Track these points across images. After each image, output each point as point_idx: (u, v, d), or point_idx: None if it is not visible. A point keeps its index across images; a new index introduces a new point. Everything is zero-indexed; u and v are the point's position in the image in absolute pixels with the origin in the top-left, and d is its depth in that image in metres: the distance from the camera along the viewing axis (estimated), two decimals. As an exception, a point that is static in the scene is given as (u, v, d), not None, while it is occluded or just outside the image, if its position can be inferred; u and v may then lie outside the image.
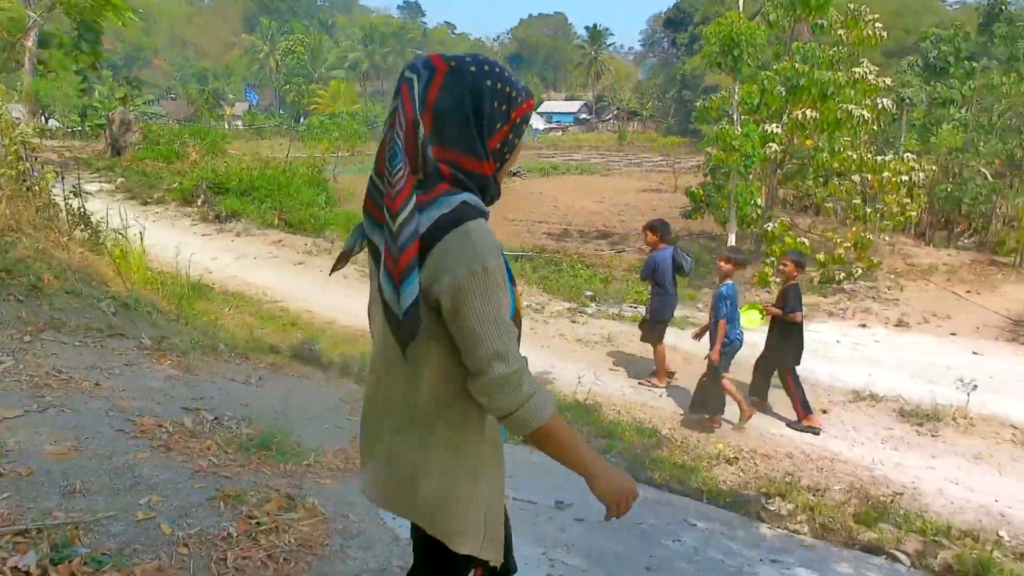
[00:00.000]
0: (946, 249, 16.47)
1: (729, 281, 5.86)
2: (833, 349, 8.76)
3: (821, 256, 12.92)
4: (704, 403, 5.73)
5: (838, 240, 13.12)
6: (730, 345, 5.81)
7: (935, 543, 4.39)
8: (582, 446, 1.60)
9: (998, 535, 4.57)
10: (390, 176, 1.48)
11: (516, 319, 1.62)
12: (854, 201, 13.42)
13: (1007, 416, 6.52)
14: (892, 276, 14.05)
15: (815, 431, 5.96)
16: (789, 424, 6.10)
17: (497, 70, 1.56)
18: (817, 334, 9.68)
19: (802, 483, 5.05)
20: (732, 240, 13.21)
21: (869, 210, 13.51)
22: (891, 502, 4.85)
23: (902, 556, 4.28)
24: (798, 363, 6.18)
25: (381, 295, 1.51)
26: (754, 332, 6.31)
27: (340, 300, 9.05)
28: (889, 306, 12.58)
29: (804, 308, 6.29)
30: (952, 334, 10.97)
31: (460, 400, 1.57)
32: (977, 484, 5.21)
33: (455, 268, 1.45)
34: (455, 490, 1.60)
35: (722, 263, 5.91)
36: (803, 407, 6.09)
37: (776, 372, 6.25)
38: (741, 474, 5.13)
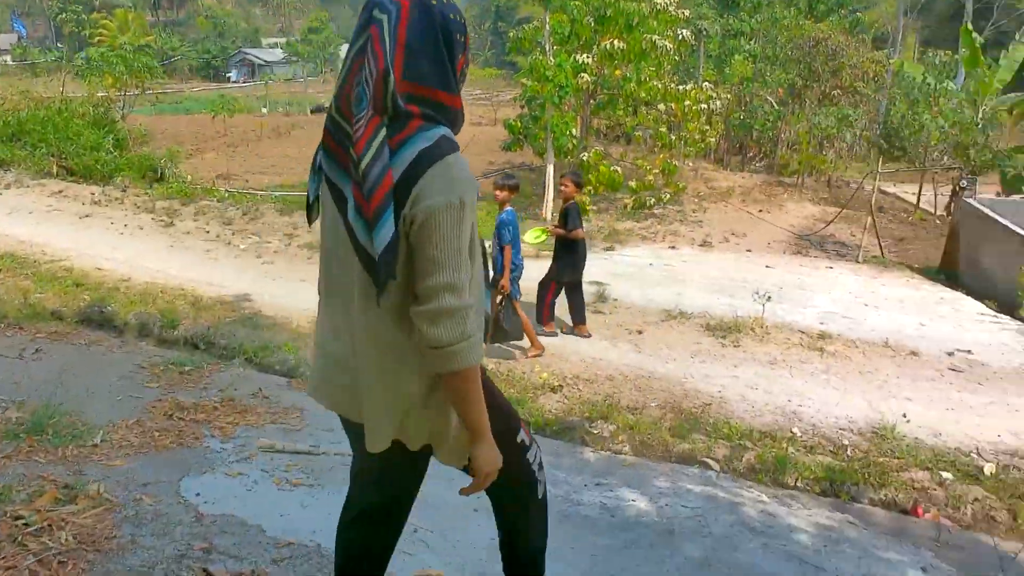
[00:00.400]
0: (741, 172, 17.74)
1: (508, 208, 5.93)
2: (646, 272, 9.15)
3: (633, 183, 13.44)
4: (505, 332, 5.81)
5: (648, 167, 13.69)
6: (516, 271, 5.95)
7: (740, 447, 4.70)
8: (483, 407, 1.60)
9: (791, 432, 4.98)
10: (356, 119, 1.48)
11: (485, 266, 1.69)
12: (660, 129, 13.97)
13: (795, 322, 7.12)
14: (696, 199, 14.92)
15: (550, 335, 6.47)
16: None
17: (452, 6, 1.56)
18: (632, 258, 10.10)
19: (622, 403, 5.22)
20: (551, 171, 13.36)
21: (674, 137, 14.13)
22: (701, 413, 5.14)
23: (712, 463, 4.55)
24: (577, 278, 6.48)
25: (351, 235, 1.52)
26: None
27: (137, 254, 8.20)
28: (694, 228, 13.38)
29: (585, 228, 6.55)
30: (748, 251, 11.86)
31: None
32: (773, 387, 5.64)
33: (434, 196, 1.47)
34: (428, 399, 1.62)
35: (497, 192, 5.95)
36: (549, 315, 6.57)
37: (566, 288, 6.52)
38: (565, 401, 5.22)
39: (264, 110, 27.54)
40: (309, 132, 22.52)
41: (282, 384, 4.98)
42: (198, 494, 3.04)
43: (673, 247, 11.64)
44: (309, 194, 1.70)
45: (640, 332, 6.67)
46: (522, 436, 1.83)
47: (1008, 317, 7.97)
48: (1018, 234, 9.83)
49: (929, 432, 5.05)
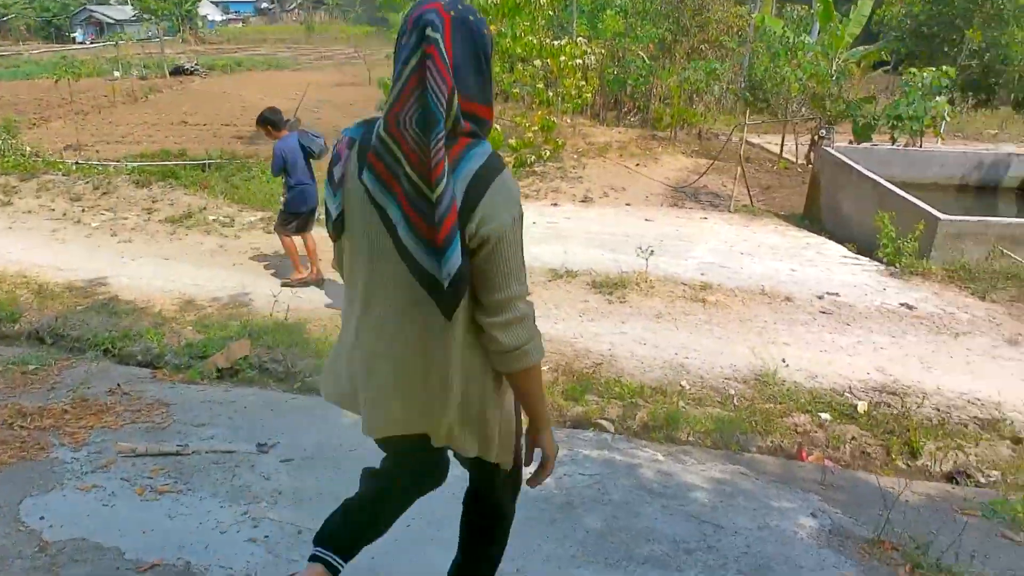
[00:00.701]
0: (617, 127, 17.88)
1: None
2: (531, 231, 9.03)
3: (513, 141, 13.26)
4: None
5: (527, 125, 13.52)
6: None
7: (633, 405, 4.68)
8: (544, 398, 1.78)
9: (681, 386, 5.00)
10: (424, 141, 1.48)
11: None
12: (537, 86, 13.79)
13: (677, 274, 7.20)
14: (575, 155, 14.91)
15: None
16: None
17: (479, 14, 1.58)
18: (515, 218, 9.94)
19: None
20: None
21: (551, 94, 14.01)
22: (593, 373, 5.08)
23: (607, 424, 4.50)
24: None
25: (406, 256, 1.56)
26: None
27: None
28: (575, 184, 13.38)
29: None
30: (627, 204, 11.97)
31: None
32: (660, 341, 5.66)
33: (502, 215, 1.55)
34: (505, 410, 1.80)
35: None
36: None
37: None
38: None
39: (116, 73, 25.26)
40: (169, 97, 20.87)
41: (144, 377, 4.52)
42: (42, 517, 2.65)
43: (555, 204, 11.59)
44: (332, 209, 1.69)
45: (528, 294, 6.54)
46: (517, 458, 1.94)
47: (867, 259, 8.40)
48: (871, 179, 10.38)
49: (807, 375, 5.21)
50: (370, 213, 1.60)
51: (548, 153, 13.60)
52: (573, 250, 7.97)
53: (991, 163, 12.11)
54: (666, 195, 12.94)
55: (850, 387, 5.12)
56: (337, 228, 1.69)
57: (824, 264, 8.02)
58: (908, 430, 4.39)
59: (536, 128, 13.42)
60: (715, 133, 17.96)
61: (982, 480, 4.15)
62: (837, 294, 6.85)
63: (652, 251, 6.98)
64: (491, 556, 2.08)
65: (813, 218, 11.44)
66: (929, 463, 4.24)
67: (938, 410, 4.85)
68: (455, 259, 1.51)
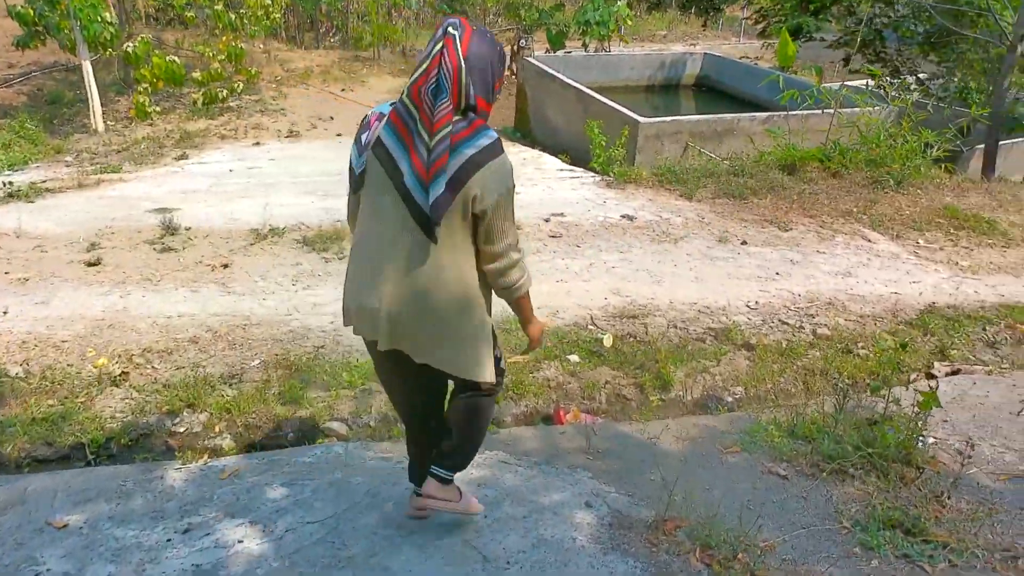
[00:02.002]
0: (316, 50, 16.13)
1: None
2: (228, 182, 7.52)
3: (198, 74, 11.18)
4: None
5: (212, 54, 11.47)
6: None
7: (367, 392, 3.81)
8: (531, 306, 2.27)
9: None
10: (432, 105, 1.88)
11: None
12: (216, 8, 11.70)
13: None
14: (274, 85, 13.14)
15: None
16: None
17: (494, 36, 2.02)
18: (211, 166, 8.29)
19: (214, 375, 3.93)
20: (89, 70, 10.36)
21: (234, 16, 11.99)
22: (315, 359, 4.10)
23: (339, 427, 3.60)
24: None
25: (407, 199, 1.97)
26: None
27: None
28: (278, 117, 11.77)
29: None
30: (339, 136, 10.75)
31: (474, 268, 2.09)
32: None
33: (498, 188, 1.97)
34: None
35: None
36: None
37: None
38: (135, 395, 3.74)
39: None
40: None
41: None
42: None
43: (258, 143, 10.03)
44: (355, 167, 2.09)
45: (226, 266, 5.27)
46: (497, 352, 2.28)
47: (582, 170, 8.20)
48: (573, 87, 10.22)
49: (548, 312, 4.70)
50: (384, 166, 2.00)
51: (241, 85, 11.73)
52: (279, 200, 6.71)
53: (671, 63, 12.64)
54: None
55: (592, 318, 4.71)
56: (357, 183, 2.10)
57: (544, 182, 7.63)
58: (656, 361, 4.06)
59: (223, 57, 11.44)
60: (419, 50, 16.97)
61: (729, 399, 3.96)
62: (562, 214, 6.46)
63: (367, 194, 5.99)
64: (466, 441, 2.37)
65: (525, 131, 11.13)
66: (681, 392, 3.95)
67: (676, 327, 4.63)
68: (435, 191, 1.90)
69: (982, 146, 8.90)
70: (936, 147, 7.49)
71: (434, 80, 1.87)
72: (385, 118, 1.99)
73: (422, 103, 1.88)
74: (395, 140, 1.95)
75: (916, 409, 2.99)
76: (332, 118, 11.86)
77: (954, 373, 4.13)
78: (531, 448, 3.25)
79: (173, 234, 5.75)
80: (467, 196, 1.94)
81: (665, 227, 6.24)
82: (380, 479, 2.93)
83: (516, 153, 9.37)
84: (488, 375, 2.16)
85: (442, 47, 1.87)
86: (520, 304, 2.20)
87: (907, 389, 4.06)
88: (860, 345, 4.44)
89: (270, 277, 5.13)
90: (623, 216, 6.44)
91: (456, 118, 1.91)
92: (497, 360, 2.25)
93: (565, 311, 4.79)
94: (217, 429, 3.52)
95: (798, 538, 2.61)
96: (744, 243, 6.00)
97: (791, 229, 6.33)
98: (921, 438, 3.06)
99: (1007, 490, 2.92)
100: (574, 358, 4.20)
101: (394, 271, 2.03)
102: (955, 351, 4.34)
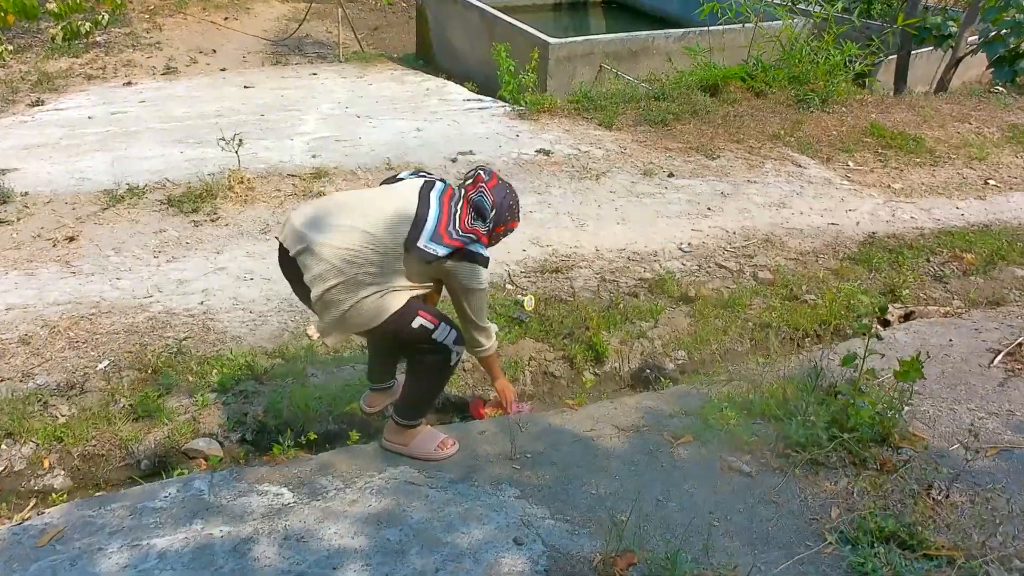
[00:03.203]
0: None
1: None
2: (83, 132, 6.30)
3: (54, 5, 9.54)
4: None
5: (63, -19, 9.80)
6: None
7: (243, 396, 3.03)
8: (498, 362, 2.85)
9: (310, 336, 3.46)
10: (474, 221, 2.44)
11: None
12: (60, -74, 9.89)
13: (283, 164, 5.40)
14: (147, 16, 11.48)
15: None
16: None
17: (515, 197, 2.59)
18: (68, 113, 6.99)
19: (48, 387, 3.06)
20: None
21: (86, -64, 10.22)
22: (177, 355, 3.27)
23: (206, 447, 2.82)
24: None
25: (418, 220, 2.34)
26: None
27: None
28: (152, 52, 10.28)
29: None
30: (223, 71, 9.46)
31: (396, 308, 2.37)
32: (273, 270, 3.96)
33: (467, 281, 2.44)
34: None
35: None
36: None
37: None
38: (-68, 426, 2.84)
39: None
40: None
41: None
42: None
43: (130, 83, 8.66)
44: (403, 175, 2.59)
45: (72, 239, 4.26)
46: (420, 322, 2.37)
47: (491, 99, 7.34)
48: (476, 7, 9.19)
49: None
50: (421, 192, 2.45)
51: (106, 17, 10.13)
52: (142, 152, 5.62)
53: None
54: (267, 52, 10.52)
55: (509, 275, 4.02)
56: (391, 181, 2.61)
57: (450, 114, 6.75)
58: (587, 327, 3.42)
59: (75, -16, 9.79)
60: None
61: (671, 366, 3.38)
62: (471, 152, 5.66)
63: (241, 141, 5.00)
64: (411, 394, 2.59)
65: (427, 57, 10.08)
66: (617, 364, 3.34)
67: (605, 280, 4.00)
68: (441, 251, 2.34)
69: (892, 58, 8.49)
70: (858, 61, 6.98)
71: (479, 202, 2.46)
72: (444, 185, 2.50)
73: (467, 216, 2.44)
74: (439, 198, 2.42)
75: (885, 374, 2.46)
76: (215, 51, 10.47)
77: (908, 316, 3.68)
78: (448, 461, 2.58)
79: (5, 202, 4.65)
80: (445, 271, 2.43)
81: (585, 161, 5.54)
82: (252, 528, 2.20)
83: (419, 82, 8.38)
84: (331, 339, 2.43)
85: (476, 179, 2.52)
86: (486, 363, 2.80)
87: (864, 338, 3.58)
88: (806, 289, 3.92)
89: (126, 250, 4.18)
90: (538, 151, 5.69)
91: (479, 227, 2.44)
92: (431, 329, 2.39)
93: (480, 269, 4.07)
94: (47, 464, 2.70)
95: (775, 564, 2.06)
96: (671, 175, 5.38)
97: (718, 157, 5.75)
98: (900, 414, 2.55)
99: (999, 469, 2.45)
100: (492, 326, 3.50)
101: (343, 233, 2.28)
102: (906, 290, 3.88)
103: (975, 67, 9.80)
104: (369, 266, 2.27)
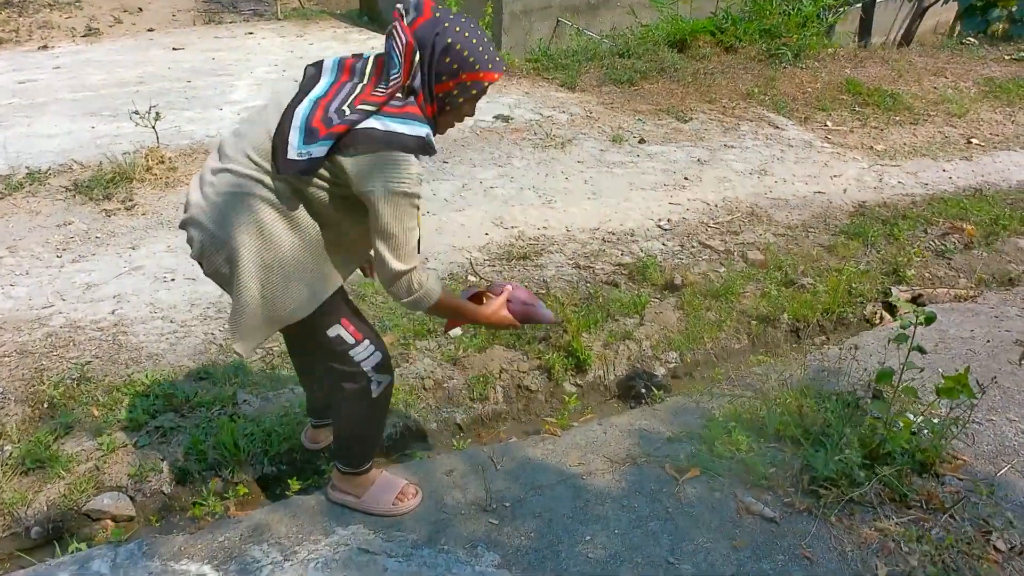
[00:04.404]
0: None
1: None
2: (-20, 104, 5.47)
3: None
4: None
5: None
6: None
7: (160, 433, 2.47)
8: (462, 310, 1.86)
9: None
10: (387, 76, 1.56)
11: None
12: None
13: (209, 139, 4.70)
14: (64, -30, 10.33)
15: None
16: None
17: (467, 34, 1.56)
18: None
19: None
20: None
21: None
22: (79, 382, 2.66)
23: (113, 506, 2.26)
24: None
25: (287, 116, 1.58)
26: None
27: None
28: (72, 12, 9.28)
29: None
30: (150, 31, 8.54)
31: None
32: (198, 271, 3.34)
33: (371, 183, 1.54)
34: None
35: None
36: None
37: None
38: None
39: None
40: None
41: None
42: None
43: (46, 46, 7.76)
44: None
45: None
46: (338, 332, 1.78)
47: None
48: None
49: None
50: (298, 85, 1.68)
51: (12, -29, 9.07)
52: (46, 128, 4.85)
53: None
54: (199, 10, 9.56)
55: (472, 264, 3.49)
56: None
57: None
58: (565, 330, 2.92)
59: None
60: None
61: (662, 372, 2.91)
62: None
63: (158, 113, 4.28)
64: (339, 433, 2.02)
65: (373, 14, 9.25)
66: (601, 372, 2.86)
67: (579, 267, 3.50)
68: (316, 151, 1.53)
69: (857, 6, 8.04)
70: (832, 12, 6.49)
71: (388, 55, 1.58)
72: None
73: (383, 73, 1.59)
74: (333, 70, 1.66)
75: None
76: (141, 9, 9.49)
77: (915, 300, 3.28)
78: (408, 513, 2.08)
79: None
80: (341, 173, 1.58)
81: (548, 128, 4.97)
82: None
83: (364, 40, 7.63)
84: (239, 345, 1.76)
85: (396, 26, 1.57)
86: (441, 314, 1.90)
87: (871, 327, 3.18)
88: (801, 272, 3.48)
89: (23, 248, 3.50)
90: (497, 117, 5.10)
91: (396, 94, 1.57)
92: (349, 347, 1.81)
93: (436, 256, 3.53)
94: None
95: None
96: (642, 141, 4.86)
97: (691, 119, 5.24)
98: (945, 440, 2.13)
99: (1059, 500, 2.06)
100: (456, 331, 2.99)
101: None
102: (911, 270, 3.47)
103: (936, 16, 9.43)
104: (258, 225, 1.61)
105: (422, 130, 1.54)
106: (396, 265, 1.60)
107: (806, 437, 2.24)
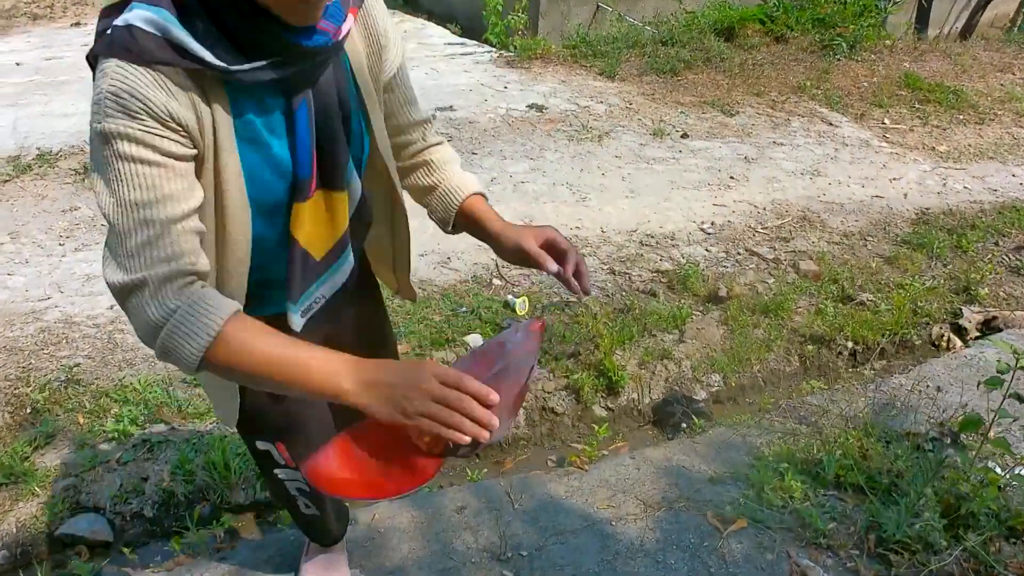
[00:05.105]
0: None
1: None
2: (1, 81, 5.32)
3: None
4: None
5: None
6: None
7: (147, 447, 2.24)
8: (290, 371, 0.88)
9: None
10: None
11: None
12: None
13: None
14: (100, -53, 10.22)
15: None
16: None
17: None
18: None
19: None
20: None
21: None
22: (67, 386, 2.45)
23: (88, 529, 2.03)
24: None
25: None
26: None
27: None
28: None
29: None
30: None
31: None
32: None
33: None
34: None
35: None
36: None
37: None
38: None
39: None
40: None
41: None
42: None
43: (79, 23, 7.67)
44: None
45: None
46: (267, 447, 1.29)
47: (476, 43, 6.36)
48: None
49: (436, 263, 3.17)
50: None
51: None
52: (63, 107, 4.67)
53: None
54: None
55: (497, 266, 3.21)
56: None
57: (429, 61, 5.79)
58: (595, 344, 2.62)
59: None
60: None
61: (703, 397, 2.60)
62: (452, 107, 4.74)
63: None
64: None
65: (408, -4, 8.95)
66: (636, 395, 2.56)
67: (614, 272, 3.19)
68: None
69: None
70: (891, 2, 6.04)
71: None
72: None
73: None
74: None
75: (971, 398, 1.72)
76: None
77: (987, 323, 2.92)
78: (410, 557, 1.82)
79: None
80: None
81: (585, 119, 4.66)
82: None
83: (397, 23, 7.33)
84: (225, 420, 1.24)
85: None
86: (230, 377, 0.95)
87: (938, 352, 2.83)
88: (859, 285, 3.14)
89: (25, 235, 3.31)
90: (531, 106, 4.79)
91: None
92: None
93: (459, 256, 3.26)
94: None
95: None
96: (685, 136, 4.52)
97: (738, 113, 4.87)
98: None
99: None
100: (474, 340, 2.72)
101: None
102: (984, 289, 3.11)
103: (995, 8, 8.84)
104: None
105: (139, 13, 0.83)
106: (109, 274, 0.88)
107: (872, 487, 1.93)
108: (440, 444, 0.88)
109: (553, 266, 1.12)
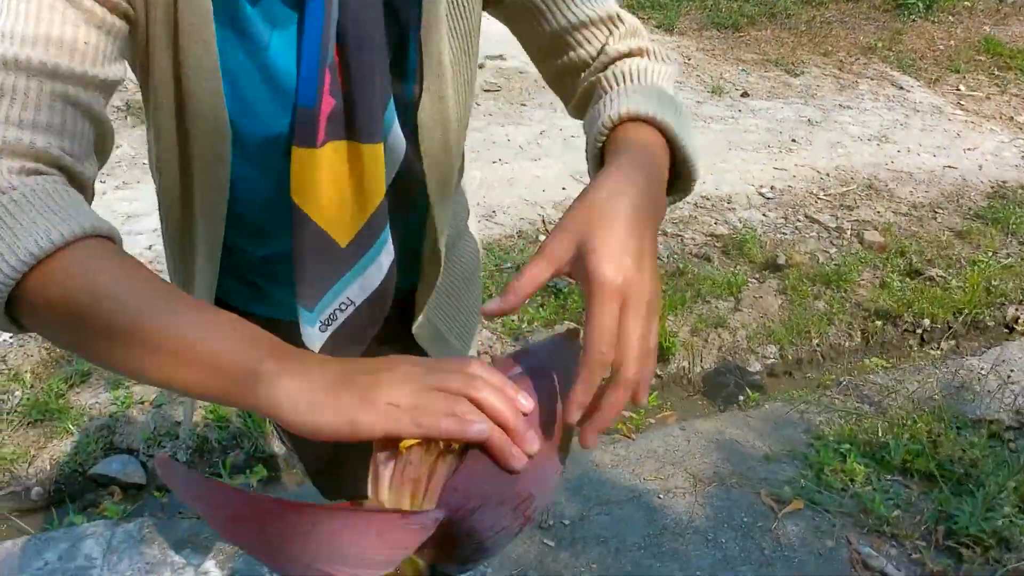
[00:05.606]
0: None
1: None
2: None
3: None
4: None
5: None
6: None
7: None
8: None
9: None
10: None
11: None
12: None
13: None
14: None
15: None
16: None
17: None
18: None
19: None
20: None
21: None
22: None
23: (120, 471, 2.00)
24: None
25: None
26: None
27: None
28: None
29: None
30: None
31: None
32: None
33: None
34: None
35: None
36: None
37: None
38: None
39: None
40: None
41: None
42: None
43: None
44: None
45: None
46: None
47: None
48: None
49: (481, 212, 3.06)
50: None
51: None
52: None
53: None
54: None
55: (544, 221, 3.08)
56: None
57: (478, 9, 5.58)
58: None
59: None
60: None
61: (758, 368, 2.47)
62: (501, 56, 4.55)
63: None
64: None
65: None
66: (687, 364, 2.44)
67: (666, 233, 3.05)
68: None
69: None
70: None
71: None
72: None
73: None
74: None
75: None
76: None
77: (1071, 306, 2.71)
78: None
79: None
80: None
81: (639, 74, 4.43)
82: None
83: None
84: None
85: None
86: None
87: (1012, 335, 2.65)
88: (928, 259, 2.94)
89: (67, 170, 3.27)
90: (583, 59, 4.58)
91: None
92: None
93: (505, 210, 3.13)
94: None
95: None
96: (745, 95, 4.28)
97: (802, 73, 4.60)
98: None
99: None
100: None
101: None
102: (1067, 269, 2.89)
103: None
104: None
105: None
106: None
107: (943, 475, 1.79)
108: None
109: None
